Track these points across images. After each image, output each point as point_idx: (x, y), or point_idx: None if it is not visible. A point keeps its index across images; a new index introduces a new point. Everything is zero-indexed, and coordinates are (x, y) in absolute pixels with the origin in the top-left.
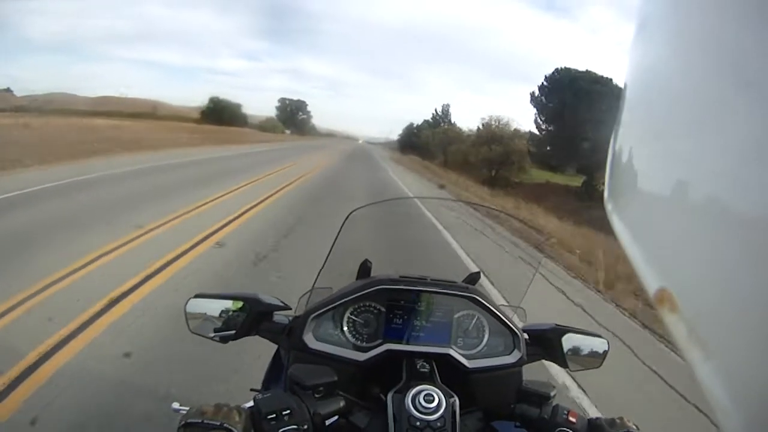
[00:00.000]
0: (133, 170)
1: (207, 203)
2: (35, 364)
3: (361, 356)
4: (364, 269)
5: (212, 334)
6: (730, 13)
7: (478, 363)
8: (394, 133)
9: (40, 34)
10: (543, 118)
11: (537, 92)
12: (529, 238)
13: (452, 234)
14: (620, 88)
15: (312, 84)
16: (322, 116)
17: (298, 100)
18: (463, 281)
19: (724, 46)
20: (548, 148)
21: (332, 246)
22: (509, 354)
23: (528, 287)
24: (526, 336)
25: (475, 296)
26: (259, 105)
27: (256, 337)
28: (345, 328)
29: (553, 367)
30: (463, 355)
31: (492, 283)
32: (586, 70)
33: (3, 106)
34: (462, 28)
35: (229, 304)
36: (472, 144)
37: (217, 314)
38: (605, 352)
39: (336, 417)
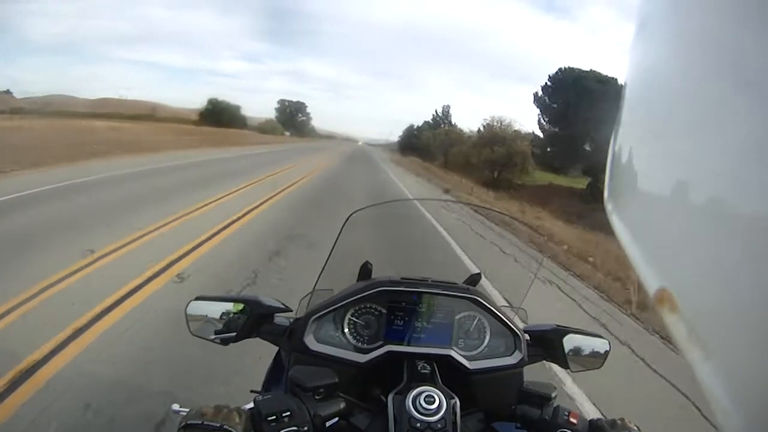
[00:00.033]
0: (120, 175)
1: (200, 208)
2: None
3: (362, 358)
4: (365, 271)
5: (213, 336)
6: (730, 13)
7: (479, 364)
8: (394, 135)
9: (41, 35)
10: (546, 119)
11: (540, 92)
12: (545, 248)
13: (467, 248)
14: (623, 88)
15: (312, 85)
16: (321, 118)
17: (298, 102)
18: (464, 282)
19: (724, 46)
20: (549, 149)
21: (332, 248)
22: (510, 355)
23: (529, 288)
24: (527, 337)
25: (476, 297)
26: (259, 107)
27: (257, 339)
28: (346, 330)
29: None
30: (464, 357)
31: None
32: (590, 70)
33: (2, 108)
34: (462, 28)
35: (229, 306)
36: (473, 145)
37: (217, 316)
38: (606, 353)
39: (336, 418)
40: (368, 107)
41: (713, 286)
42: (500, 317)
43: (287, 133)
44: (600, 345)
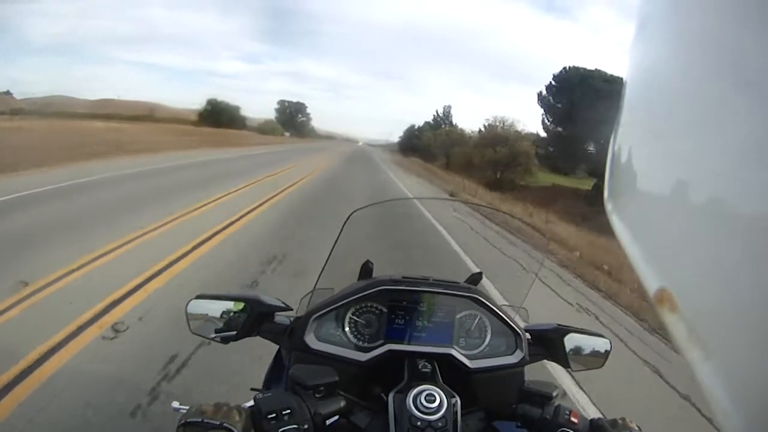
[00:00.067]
0: (119, 176)
1: (194, 211)
2: None
3: (363, 356)
4: (366, 270)
5: (213, 335)
6: (730, 13)
7: (480, 363)
8: (394, 135)
9: (41, 36)
10: (551, 119)
11: (544, 92)
12: (563, 260)
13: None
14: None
15: (312, 86)
16: (322, 118)
17: (298, 102)
18: (465, 282)
19: (724, 46)
20: (553, 149)
21: (333, 247)
22: (511, 354)
23: (530, 287)
24: (528, 336)
25: (477, 296)
26: (259, 107)
27: (257, 337)
28: (347, 329)
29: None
30: (464, 356)
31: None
32: (595, 69)
33: (2, 109)
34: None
35: (230, 305)
36: (475, 146)
37: (218, 315)
38: (607, 352)
39: (337, 417)
40: (368, 108)
41: (713, 286)
42: (501, 316)
43: (287, 134)
44: (601, 344)
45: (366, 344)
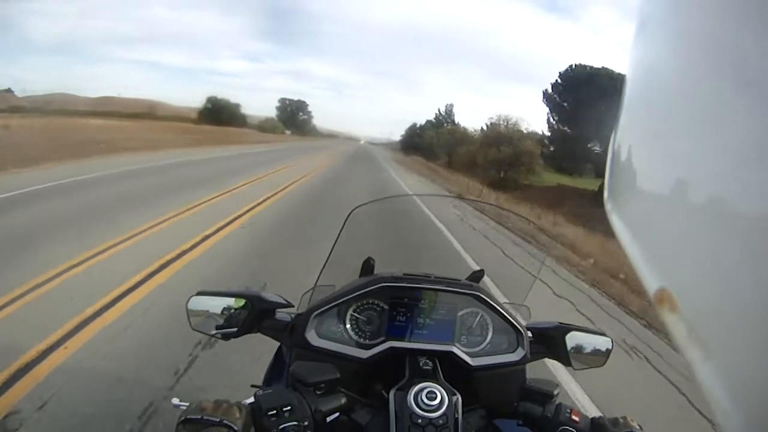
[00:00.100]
0: (117, 173)
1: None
2: None
3: (364, 354)
4: (367, 267)
5: (214, 332)
6: (730, 13)
7: (481, 361)
8: (396, 134)
9: (42, 34)
10: (556, 118)
11: (550, 90)
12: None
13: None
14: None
15: (313, 85)
16: (323, 117)
17: (299, 101)
18: (466, 279)
19: (724, 46)
20: (557, 148)
21: (334, 243)
22: (513, 352)
23: (532, 285)
24: (529, 334)
25: (478, 294)
26: (260, 105)
27: (258, 334)
28: (348, 326)
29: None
30: (466, 353)
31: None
32: (602, 67)
33: (3, 107)
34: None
35: (231, 301)
36: (479, 145)
37: (219, 311)
38: (609, 351)
39: (337, 414)
40: (370, 107)
41: (713, 286)
42: (503, 314)
43: (288, 132)
44: (602, 343)
45: (367, 341)
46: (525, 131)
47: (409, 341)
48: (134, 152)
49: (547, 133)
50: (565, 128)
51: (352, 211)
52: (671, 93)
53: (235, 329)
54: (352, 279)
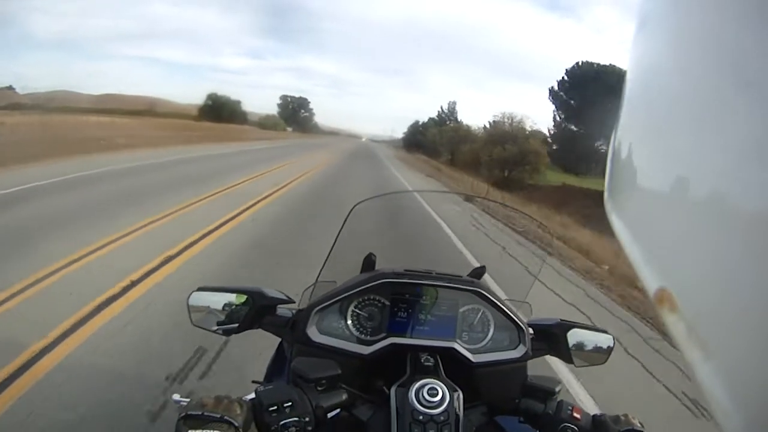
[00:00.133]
0: (118, 170)
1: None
2: None
3: (365, 350)
4: (369, 263)
5: (215, 328)
6: (730, 12)
7: (482, 357)
8: (398, 131)
9: (44, 31)
10: (562, 116)
11: (556, 87)
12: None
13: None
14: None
15: (315, 82)
16: (325, 114)
17: (300, 98)
18: (468, 275)
19: (724, 46)
20: (562, 147)
21: (336, 239)
22: (514, 349)
23: (534, 282)
24: (531, 331)
25: (480, 290)
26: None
27: (259, 330)
28: (349, 322)
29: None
30: (467, 350)
31: None
32: (610, 64)
33: (4, 104)
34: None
35: (232, 297)
36: (483, 143)
37: (220, 307)
38: (610, 348)
39: (338, 410)
40: (371, 104)
41: (713, 286)
42: (504, 311)
43: (289, 129)
44: (604, 340)
45: (368, 337)
46: (530, 129)
47: (411, 337)
48: (134, 149)
49: (552, 131)
50: (571, 126)
51: (353, 207)
52: (671, 92)
53: (236, 325)
54: (354, 275)
